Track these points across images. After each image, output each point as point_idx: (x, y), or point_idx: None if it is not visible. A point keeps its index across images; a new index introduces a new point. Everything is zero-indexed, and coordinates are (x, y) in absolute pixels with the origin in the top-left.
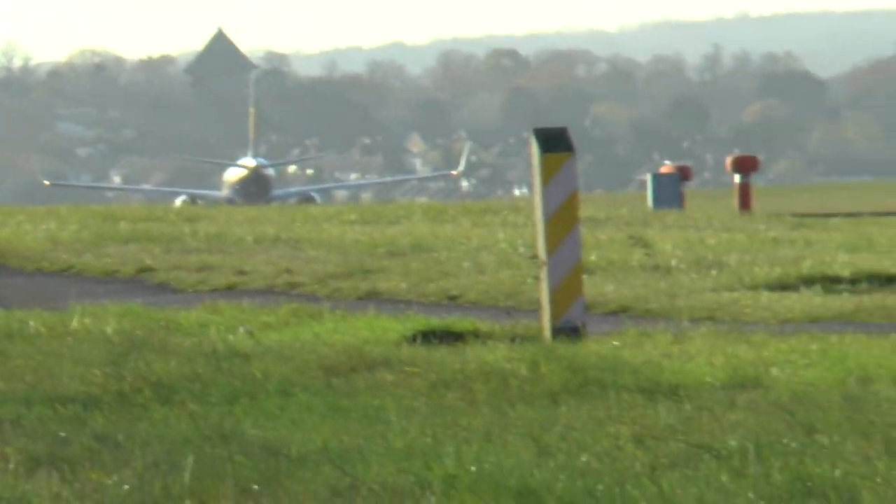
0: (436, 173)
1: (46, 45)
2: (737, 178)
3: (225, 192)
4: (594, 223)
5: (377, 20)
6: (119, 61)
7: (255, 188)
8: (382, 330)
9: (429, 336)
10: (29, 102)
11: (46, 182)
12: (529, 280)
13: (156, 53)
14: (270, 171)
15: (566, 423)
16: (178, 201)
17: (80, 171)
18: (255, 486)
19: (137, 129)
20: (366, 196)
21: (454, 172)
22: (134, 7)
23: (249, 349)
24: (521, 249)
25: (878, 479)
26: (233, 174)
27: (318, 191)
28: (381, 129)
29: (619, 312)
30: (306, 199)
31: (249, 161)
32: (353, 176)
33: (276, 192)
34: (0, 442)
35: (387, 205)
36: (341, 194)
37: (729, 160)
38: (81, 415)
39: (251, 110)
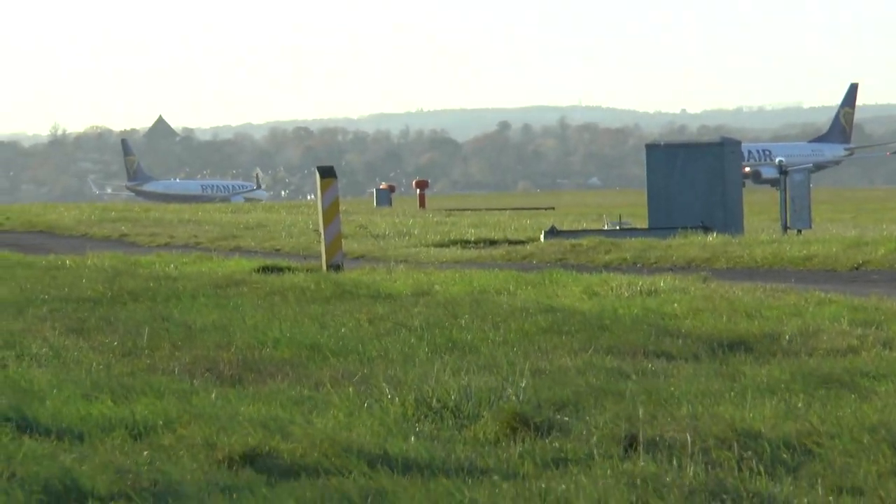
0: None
1: (71, 121)
2: (418, 191)
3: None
4: (347, 213)
5: (225, 108)
6: (110, 131)
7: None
8: (242, 266)
9: (266, 269)
10: (66, 154)
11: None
12: (315, 241)
13: (129, 127)
14: (150, 187)
15: (333, 313)
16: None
17: (91, 186)
18: (180, 342)
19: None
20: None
21: (262, 187)
22: (114, 92)
23: (176, 274)
24: (311, 226)
25: (490, 340)
26: None
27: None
28: (239, 167)
29: (360, 258)
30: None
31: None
32: None
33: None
34: (51, 320)
35: (243, 205)
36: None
37: (414, 182)
38: (92, 307)
39: (133, 157)
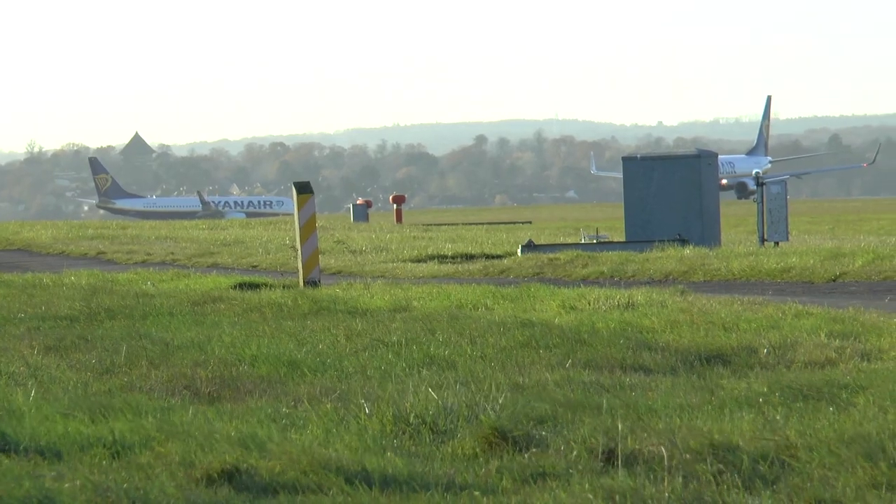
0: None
1: (47, 139)
2: (395, 206)
3: None
4: (324, 230)
5: (201, 125)
6: (87, 148)
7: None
8: (219, 283)
9: (243, 286)
10: (42, 171)
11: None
12: (292, 257)
13: (105, 144)
14: (123, 204)
15: (311, 329)
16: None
17: (68, 204)
18: (157, 360)
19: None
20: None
21: (221, 208)
22: (91, 109)
23: (153, 292)
24: (287, 241)
25: (467, 355)
26: None
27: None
28: (217, 182)
29: (337, 273)
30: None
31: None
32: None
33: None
34: (29, 339)
35: (220, 220)
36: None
37: (391, 197)
38: (69, 325)
39: (105, 175)
